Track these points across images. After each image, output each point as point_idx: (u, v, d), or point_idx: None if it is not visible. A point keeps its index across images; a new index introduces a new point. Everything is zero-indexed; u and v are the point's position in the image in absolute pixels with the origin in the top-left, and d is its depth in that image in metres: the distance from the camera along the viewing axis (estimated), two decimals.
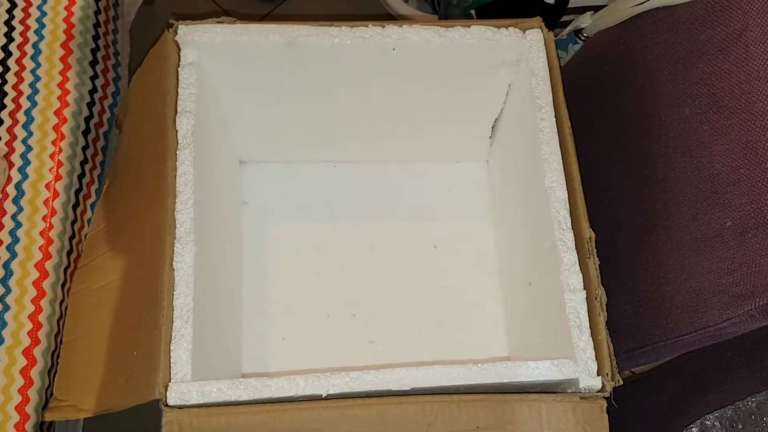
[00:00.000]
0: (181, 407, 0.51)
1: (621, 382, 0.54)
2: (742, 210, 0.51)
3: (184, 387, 0.51)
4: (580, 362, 0.55)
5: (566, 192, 0.60)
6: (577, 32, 0.89)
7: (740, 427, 0.50)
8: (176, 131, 0.59)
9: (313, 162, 0.79)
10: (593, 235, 0.58)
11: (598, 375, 0.54)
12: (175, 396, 0.51)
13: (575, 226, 0.59)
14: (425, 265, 0.76)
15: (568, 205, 0.60)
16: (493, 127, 0.77)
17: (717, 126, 0.56)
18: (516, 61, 0.67)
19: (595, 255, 0.58)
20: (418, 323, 0.74)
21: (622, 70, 0.72)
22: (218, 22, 0.63)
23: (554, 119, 0.63)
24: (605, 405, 0.54)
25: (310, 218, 0.77)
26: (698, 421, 0.52)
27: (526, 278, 0.67)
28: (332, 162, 0.80)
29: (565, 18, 0.90)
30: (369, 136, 0.76)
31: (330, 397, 0.52)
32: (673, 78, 0.63)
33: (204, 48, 0.63)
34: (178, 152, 0.58)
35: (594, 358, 0.55)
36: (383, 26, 0.63)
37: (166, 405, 0.51)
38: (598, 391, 0.54)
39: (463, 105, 0.73)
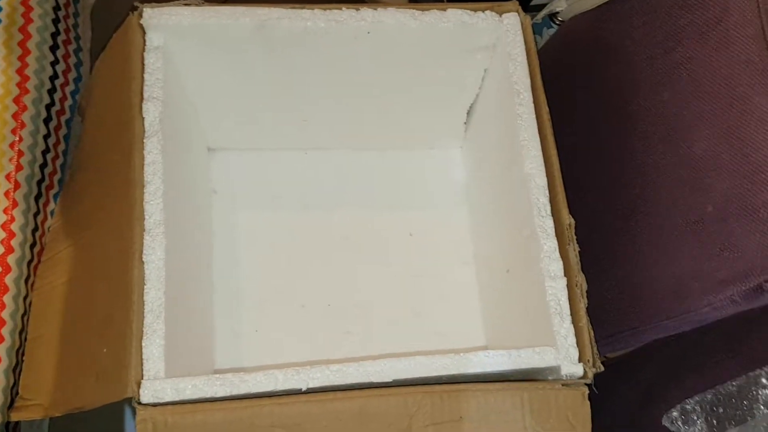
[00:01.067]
0: (155, 405, 0.49)
1: (602, 369, 0.54)
2: (723, 195, 0.50)
3: (158, 384, 0.49)
4: (561, 349, 0.54)
5: (545, 178, 0.59)
6: (552, 16, 0.88)
7: (721, 411, 0.50)
8: (143, 119, 0.57)
9: (285, 149, 0.77)
10: (573, 221, 0.58)
11: (579, 362, 0.54)
12: (148, 393, 0.49)
13: (555, 213, 0.59)
14: (401, 253, 0.75)
15: (547, 191, 0.59)
16: (468, 113, 0.76)
17: (698, 111, 0.56)
18: (492, 45, 0.66)
19: (575, 241, 0.57)
20: (394, 312, 0.73)
21: (598, 55, 0.71)
22: (185, 5, 0.61)
23: (532, 105, 0.62)
24: (587, 392, 0.54)
25: (282, 207, 0.76)
26: (678, 405, 0.52)
27: (504, 265, 0.66)
28: (304, 149, 0.78)
29: (539, 1, 0.89)
30: (342, 122, 0.75)
31: (310, 391, 0.51)
32: (652, 63, 0.62)
33: (170, 31, 0.60)
34: (145, 140, 0.56)
35: (575, 345, 0.54)
36: (357, 9, 0.62)
37: (140, 403, 0.49)
38: (579, 378, 0.54)
39: (438, 90, 0.72)
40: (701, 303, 0.51)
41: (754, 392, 0.49)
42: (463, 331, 0.72)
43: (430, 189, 0.79)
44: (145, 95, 0.58)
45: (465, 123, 0.77)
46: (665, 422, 0.52)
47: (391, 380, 0.51)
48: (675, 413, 0.51)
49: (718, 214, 0.50)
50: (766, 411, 0.48)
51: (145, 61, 0.59)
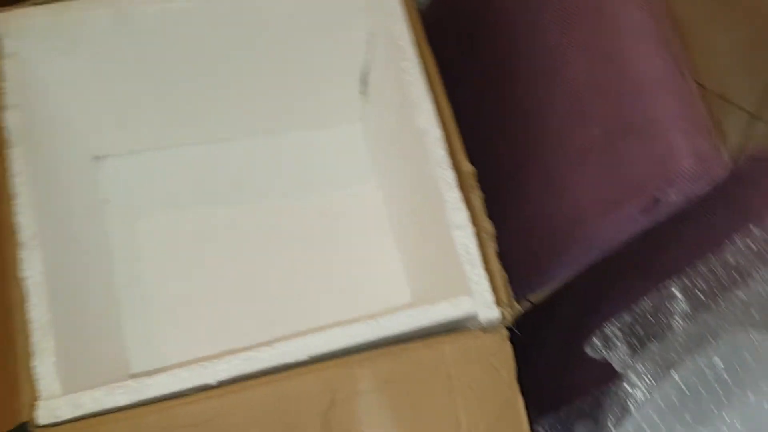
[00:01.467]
0: (54, 425, 0.45)
1: (521, 310, 0.53)
2: (607, 118, 0.50)
3: (54, 403, 0.45)
4: (476, 296, 0.53)
5: (440, 131, 0.58)
6: None
7: (640, 330, 0.50)
8: (2, 128, 0.53)
9: (179, 146, 0.74)
10: (473, 169, 0.56)
11: (496, 306, 0.53)
12: (45, 414, 0.45)
13: (455, 164, 0.57)
14: (316, 235, 0.73)
15: (444, 143, 0.58)
16: (364, 84, 0.74)
17: (574, 41, 0.55)
18: (370, 6, 0.64)
19: (478, 189, 0.56)
20: (318, 295, 0.70)
21: (478, 5, 0.71)
22: (35, 4, 0.57)
23: (417, 59, 0.60)
24: (507, 334, 0.53)
25: (184, 206, 0.72)
26: (598, 332, 0.51)
27: (416, 224, 0.65)
28: (199, 143, 0.75)
29: None
30: (230, 110, 0.72)
31: (224, 384, 0.48)
32: (526, 4, 0.62)
33: (25, 35, 0.57)
34: (8, 151, 0.52)
35: (490, 290, 0.53)
36: None
37: (37, 426, 0.45)
38: (498, 322, 0.53)
39: (325, 62, 0.70)
40: (602, 226, 0.50)
41: (668, 306, 0.49)
42: (389, 296, 0.71)
43: (336, 167, 0.77)
44: (4, 103, 0.54)
45: (362, 93, 0.75)
46: (589, 352, 0.51)
47: (307, 357, 0.49)
48: (596, 341, 0.51)
49: (605, 136, 0.49)
50: (682, 323, 0.48)
51: (2, 69, 0.55)
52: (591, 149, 0.51)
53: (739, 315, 0.44)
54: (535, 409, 0.54)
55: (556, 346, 0.62)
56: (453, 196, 0.56)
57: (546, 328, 0.65)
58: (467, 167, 0.57)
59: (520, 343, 0.54)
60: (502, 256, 0.55)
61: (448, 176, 0.57)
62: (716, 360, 0.42)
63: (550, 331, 0.64)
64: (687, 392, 0.43)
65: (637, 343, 0.50)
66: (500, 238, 0.55)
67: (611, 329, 0.50)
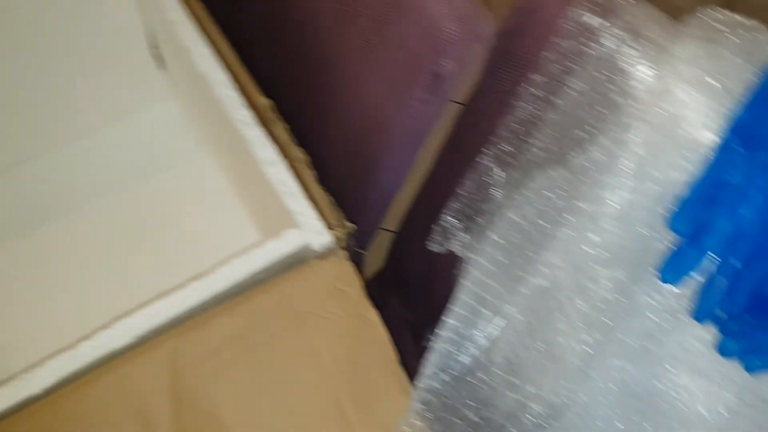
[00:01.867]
0: None
1: (354, 227, 0.51)
2: (371, 7, 0.48)
3: None
4: (304, 226, 0.51)
5: (225, 72, 0.55)
6: None
7: (471, 211, 0.49)
8: None
9: None
10: (270, 102, 0.54)
11: (327, 230, 0.51)
12: None
13: (250, 102, 0.55)
14: (163, 224, 0.69)
15: (231, 84, 0.55)
16: (159, 58, 0.70)
17: None
18: None
19: (281, 120, 0.54)
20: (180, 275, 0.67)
21: None
22: None
23: (183, 8, 0.57)
24: (346, 254, 0.51)
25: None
26: (434, 228, 0.50)
27: (240, 175, 0.62)
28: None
29: None
30: (31, 125, 0.67)
31: (54, 390, 0.44)
32: None
33: None
34: None
35: (317, 217, 0.51)
36: None
37: None
38: (333, 245, 0.51)
39: (105, 47, 0.66)
40: (399, 119, 0.48)
41: (486, 179, 0.48)
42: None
43: (160, 147, 0.73)
44: None
45: (160, 68, 0.71)
46: (433, 248, 0.50)
47: (134, 340, 0.46)
48: (436, 236, 0.49)
49: (375, 27, 0.48)
50: (500, 191, 0.47)
51: None
52: (367, 43, 0.49)
53: (540, 161, 0.43)
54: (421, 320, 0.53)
55: (419, 258, 0.61)
56: (255, 133, 0.53)
57: (406, 248, 0.63)
58: (262, 101, 0.54)
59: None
60: (326, 179, 0.53)
61: (245, 115, 0.54)
62: (527, 209, 0.42)
63: (414, 244, 0.63)
64: (509, 248, 0.42)
65: (472, 225, 0.49)
66: (321, 162, 0.53)
67: (446, 220, 0.48)
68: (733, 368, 0.38)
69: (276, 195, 0.52)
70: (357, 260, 0.52)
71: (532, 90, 0.44)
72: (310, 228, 0.51)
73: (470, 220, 0.50)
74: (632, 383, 0.40)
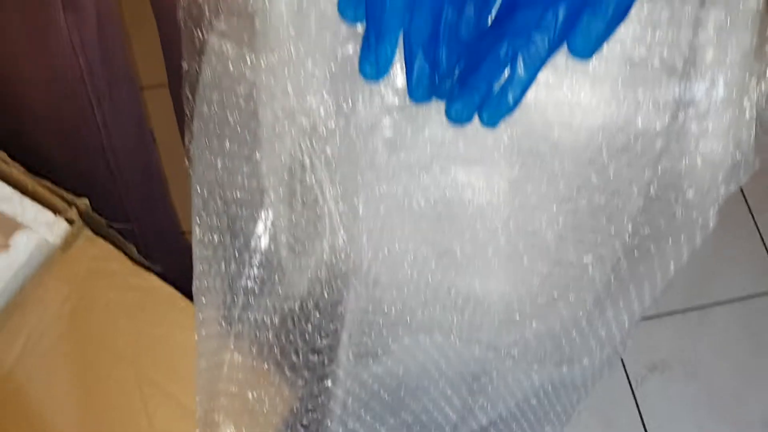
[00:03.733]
0: None
1: (86, 201, 0.49)
2: None
3: None
4: (33, 224, 0.48)
5: None
6: None
7: None
8: None
9: None
10: None
11: (57, 216, 0.48)
12: None
13: None
14: None
15: None
16: None
17: None
18: None
19: None
20: None
21: None
22: None
23: None
24: (88, 231, 0.49)
25: None
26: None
27: None
28: None
29: None
30: None
31: None
32: None
33: None
34: None
35: (41, 209, 0.48)
36: None
37: None
38: (72, 228, 0.48)
39: None
40: (49, 47, 0.44)
41: None
42: None
43: None
44: None
45: None
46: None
47: None
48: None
49: None
50: None
51: None
52: None
53: None
54: None
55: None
56: None
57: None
58: None
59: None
60: (42, 167, 0.50)
61: None
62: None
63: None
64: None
65: None
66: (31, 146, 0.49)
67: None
68: (496, 139, 0.32)
69: None
70: (120, 228, 0.50)
71: None
72: (40, 222, 0.48)
73: None
74: (416, 203, 0.34)
